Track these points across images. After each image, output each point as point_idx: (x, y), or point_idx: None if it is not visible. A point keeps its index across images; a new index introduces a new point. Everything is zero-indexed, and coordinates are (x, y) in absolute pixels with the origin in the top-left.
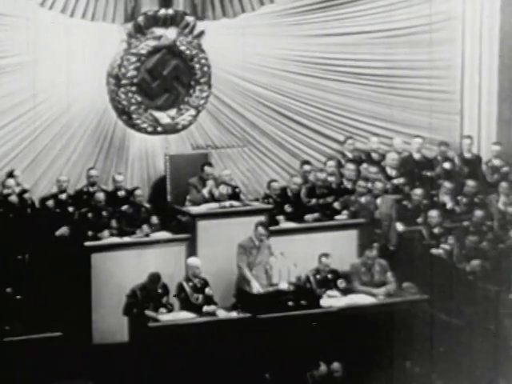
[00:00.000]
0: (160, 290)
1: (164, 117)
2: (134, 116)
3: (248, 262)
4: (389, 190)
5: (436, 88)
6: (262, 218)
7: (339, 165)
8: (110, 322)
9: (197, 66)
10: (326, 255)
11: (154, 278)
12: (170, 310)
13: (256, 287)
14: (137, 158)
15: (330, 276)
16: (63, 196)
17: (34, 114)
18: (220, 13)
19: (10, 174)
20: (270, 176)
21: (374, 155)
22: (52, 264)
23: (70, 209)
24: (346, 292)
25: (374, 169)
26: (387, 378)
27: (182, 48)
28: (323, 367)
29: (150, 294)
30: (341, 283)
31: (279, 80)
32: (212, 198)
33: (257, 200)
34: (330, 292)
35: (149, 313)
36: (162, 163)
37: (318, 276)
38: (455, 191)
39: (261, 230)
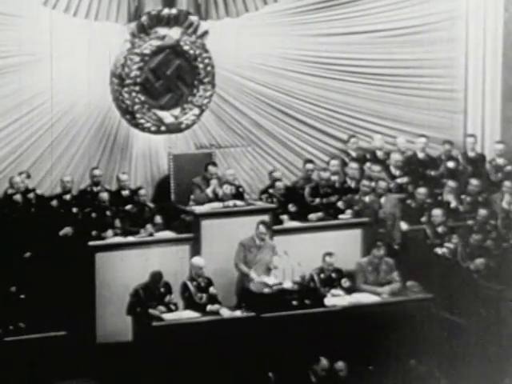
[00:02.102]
0: (162, 289)
1: (168, 116)
2: (138, 115)
3: (247, 259)
4: (393, 189)
5: (439, 87)
6: (264, 217)
7: (343, 164)
8: (114, 322)
9: (200, 65)
10: (329, 254)
11: (156, 277)
12: (173, 309)
13: (255, 277)
14: (140, 158)
15: (334, 275)
16: (67, 197)
17: (38, 114)
18: (223, 12)
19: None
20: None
21: (379, 153)
22: (56, 263)
23: (74, 209)
24: (350, 291)
25: (377, 167)
26: (391, 377)
27: (186, 48)
28: (324, 361)
29: (152, 293)
30: (345, 282)
31: (282, 79)
32: (216, 198)
33: (260, 199)
34: (334, 291)
35: (153, 311)
36: (166, 163)
37: (322, 275)
38: (459, 190)
39: (262, 228)
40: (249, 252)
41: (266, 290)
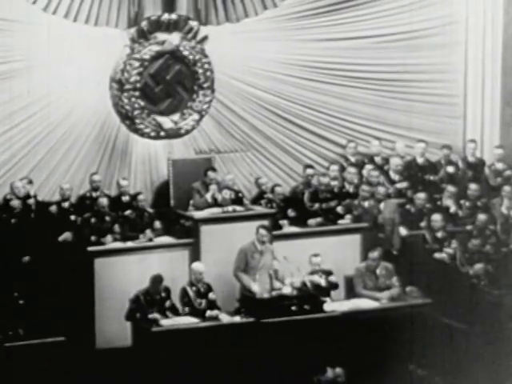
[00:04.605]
0: (163, 294)
1: (167, 121)
2: (137, 121)
3: (250, 265)
4: (392, 194)
5: (439, 92)
6: (264, 222)
7: (342, 169)
8: (113, 327)
9: (200, 70)
10: (315, 255)
11: (156, 280)
12: (173, 315)
13: (257, 290)
14: (140, 163)
15: (323, 276)
16: (66, 204)
17: (37, 119)
18: (223, 18)
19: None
20: (273, 180)
21: (377, 159)
22: (55, 269)
23: (73, 217)
24: (349, 296)
25: (375, 173)
26: (390, 382)
27: (186, 53)
28: (330, 372)
29: (153, 299)
30: (331, 279)
31: (282, 84)
32: (215, 203)
33: (260, 204)
34: (315, 276)
35: (153, 316)
36: (165, 168)
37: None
38: (458, 195)
39: (262, 231)
40: (251, 258)
41: (266, 295)
